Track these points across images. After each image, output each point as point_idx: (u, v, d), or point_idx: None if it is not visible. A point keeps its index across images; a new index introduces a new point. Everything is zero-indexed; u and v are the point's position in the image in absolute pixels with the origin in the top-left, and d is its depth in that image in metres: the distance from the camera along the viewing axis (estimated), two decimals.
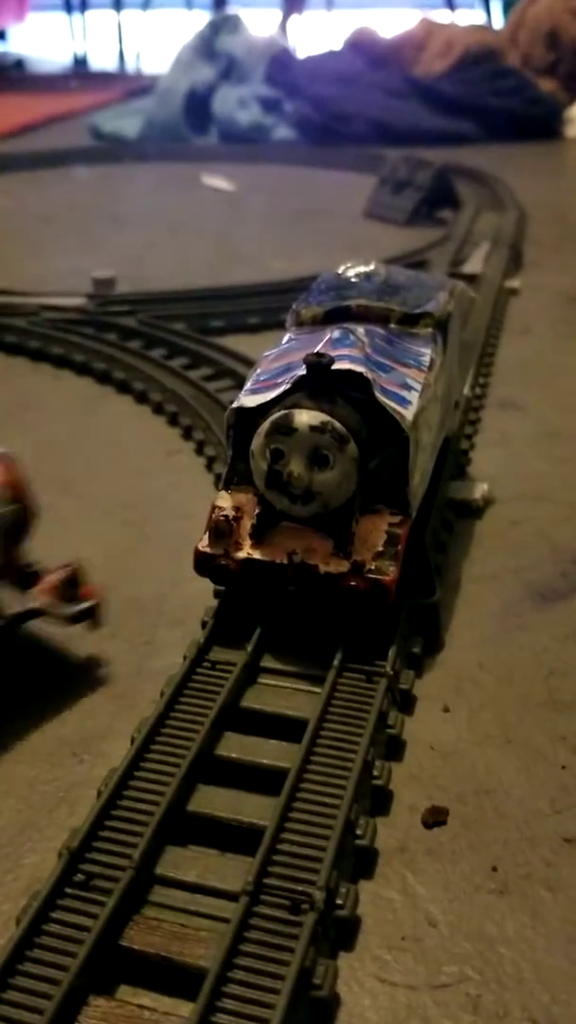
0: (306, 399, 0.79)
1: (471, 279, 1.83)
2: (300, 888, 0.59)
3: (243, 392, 0.85)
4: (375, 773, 0.69)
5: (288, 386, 0.80)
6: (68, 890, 0.60)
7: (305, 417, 0.78)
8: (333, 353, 0.82)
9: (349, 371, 0.81)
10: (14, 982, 0.54)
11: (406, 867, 0.65)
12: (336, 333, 0.87)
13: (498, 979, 0.58)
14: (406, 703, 0.79)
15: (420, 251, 2.05)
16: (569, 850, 0.66)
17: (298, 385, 0.80)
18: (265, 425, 0.79)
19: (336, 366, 0.80)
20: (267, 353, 0.91)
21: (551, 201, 2.68)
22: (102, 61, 6.55)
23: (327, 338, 0.87)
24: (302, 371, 0.80)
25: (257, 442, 0.79)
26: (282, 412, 0.78)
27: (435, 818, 0.69)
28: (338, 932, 0.60)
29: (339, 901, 0.60)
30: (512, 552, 1.02)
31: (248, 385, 0.86)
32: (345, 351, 0.84)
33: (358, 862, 0.65)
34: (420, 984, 0.58)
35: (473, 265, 1.91)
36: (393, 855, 0.66)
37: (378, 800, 0.70)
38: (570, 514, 1.09)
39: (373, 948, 0.60)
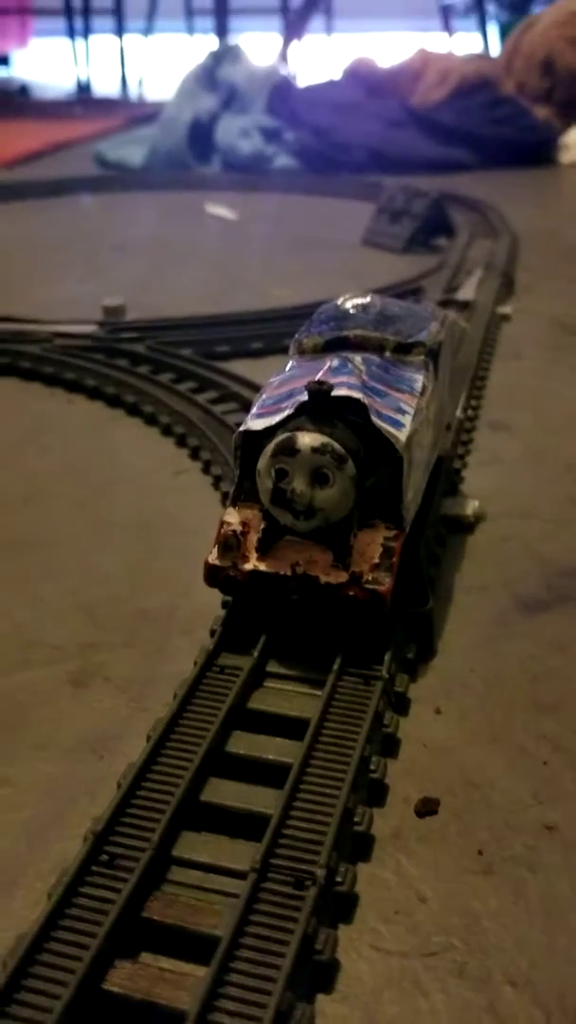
0: (308, 423, 0.86)
1: (464, 306, 1.91)
2: (303, 867, 0.65)
3: (250, 416, 0.92)
4: (372, 767, 0.76)
5: (291, 411, 0.87)
6: (94, 868, 0.66)
7: (307, 439, 0.85)
8: (333, 380, 0.89)
9: (347, 397, 0.88)
10: (48, 946, 0.60)
11: (400, 851, 0.72)
12: (335, 362, 0.95)
13: (482, 948, 0.64)
14: (401, 704, 0.86)
15: (415, 279, 2.13)
16: (549, 836, 0.73)
17: (301, 410, 0.87)
18: (270, 447, 0.86)
19: (335, 392, 0.87)
20: (272, 380, 0.98)
21: (543, 227, 2.76)
22: (105, 87, 6.68)
23: (327, 366, 0.94)
24: (304, 397, 0.87)
25: (263, 462, 0.86)
26: (286, 435, 0.85)
27: (427, 808, 0.75)
28: (338, 906, 0.66)
29: (338, 879, 0.66)
30: (501, 565, 1.09)
31: (254, 410, 0.93)
32: (344, 378, 0.91)
33: (356, 846, 0.71)
34: (411, 952, 0.64)
35: (466, 292, 1.99)
36: (388, 841, 0.73)
37: (374, 792, 0.76)
38: (555, 530, 1.16)
39: (369, 921, 0.66)
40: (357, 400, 0.88)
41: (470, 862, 0.71)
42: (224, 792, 0.74)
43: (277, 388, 0.95)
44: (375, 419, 0.87)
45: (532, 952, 0.64)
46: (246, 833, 0.71)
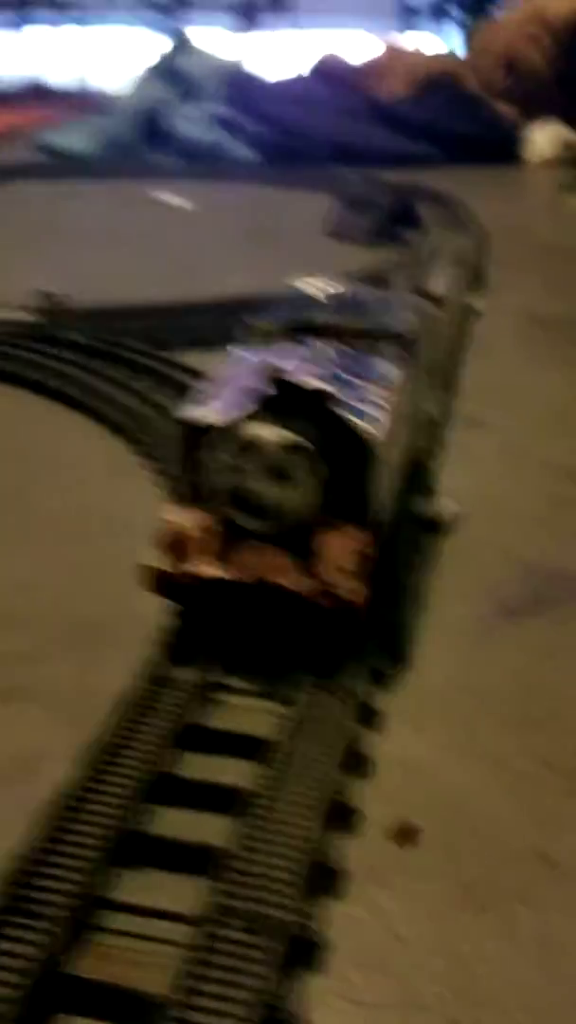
0: (268, 416, 0.78)
1: (434, 299, 1.84)
2: (263, 909, 0.58)
3: (197, 406, 0.83)
4: (342, 792, 0.69)
5: (250, 402, 0.80)
6: (5, 917, 0.58)
7: (266, 433, 0.77)
8: (297, 369, 0.81)
9: (313, 388, 0.80)
10: None
11: (376, 886, 0.64)
12: (300, 349, 0.87)
13: (474, 998, 0.57)
14: (375, 721, 0.79)
15: (382, 271, 2.06)
16: (545, 867, 0.66)
17: (261, 401, 0.79)
18: (227, 441, 0.78)
19: (300, 382, 0.79)
20: (222, 367, 0.90)
21: (510, 222, 2.71)
22: (54, 78, 6.55)
23: (290, 354, 0.86)
24: (265, 387, 0.79)
25: (217, 458, 0.78)
26: (244, 428, 0.77)
27: (406, 837, 0.68)
28: (305, 954, 0.59)
29: (306, 922, 0.58)
30: (479, 568, 1.02)
31: (203, 399, 0.84)
32: (309, 367, 0.83)
33: (326, 882, 0.64)
34: (391, 1003, 0.57)
35: (436, 285, 1.92)
36: (363, 875, 0.65)
37: (347, 820, 0.69)
38: (533, 530, 1.10)
39: (342, 969, 0.59)
40: (324, 392, 0.80)
41: (456, 898, 0.64)
42: (169, 822, 0.66)
43: (230, 377, 0.87)
44: (343, 412, 0.80)
45: (531, 1003, 0.57)
46: (196, 870, 0.63)
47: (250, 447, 0.76)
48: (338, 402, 0.80)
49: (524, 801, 0.71)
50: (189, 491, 0.82)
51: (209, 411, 0.81)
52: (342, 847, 0.65)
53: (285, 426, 0.77)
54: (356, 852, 0.67)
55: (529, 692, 0.83)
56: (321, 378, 0.81)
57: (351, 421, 0.80)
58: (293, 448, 0.76)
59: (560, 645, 0.89)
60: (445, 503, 1.11)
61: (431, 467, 1.21)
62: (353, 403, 0.82)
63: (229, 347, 0.94)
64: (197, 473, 0.81)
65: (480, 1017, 0.56)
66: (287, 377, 0.78)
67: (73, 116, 4.54)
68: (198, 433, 0.80)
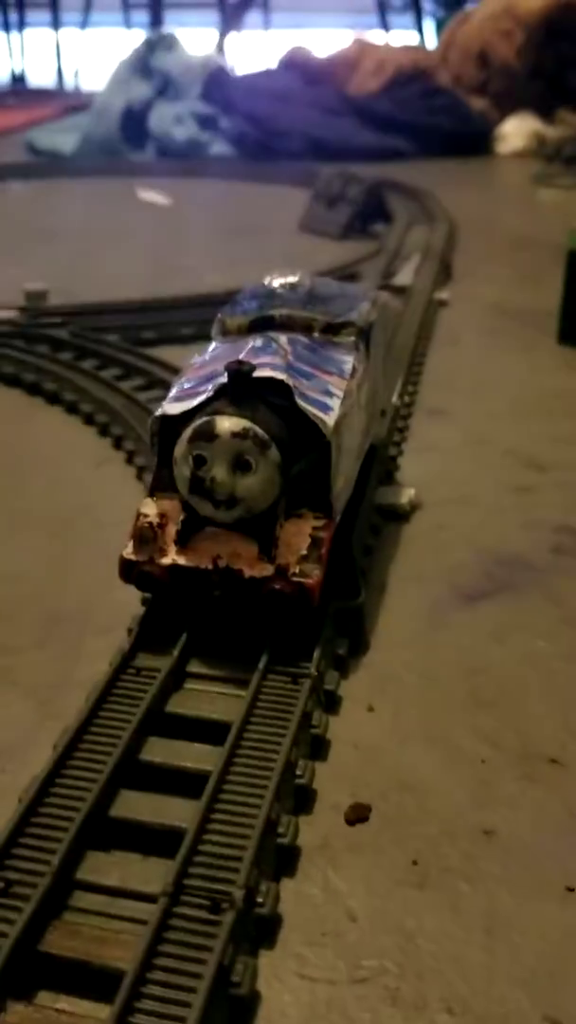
0: (228, 406, 0.79)
1: (401, 291, 1.86)
2: (220, 887, 0.59)
3: (167, 400, 0.85)
4: (298, 772, 0.70)
5: (211, 393, 0.81)
6: None
7: (227, 423, 0.78)
8: (255, 361, 0.83)
9: (271, 378, 0.82)
10: None
11: (328, 864, 0.66)
12: (259, 341, 0.89)
13: (417, 971, 0.59)
14: (331, 704, 0.80)
15: (353, 264, 2.08)
16: (488, 842, 0.68)
17: (220, 392, 0.81)
18: (187, 432, 0.79)
19: (257, 373, 0.81)
20: (192, 361, 0.92)
21: (480, 215, 2.73)
22: (40, 78, 6.52)
23: (249, 346, 0.88)
24: (224, 379, 0.81)
25: (180, 449, 0.80)
26: (204, 419, 0.79)
27: (357, 815, 0.70)
28: (259, 930, 0.60)
29: (259, 899, 0.60)
30: (438, 554, 1.04)
31: (172, 393, 0.87)
32: (267, 359, 0.85)
33: (280, 860, 0.65)
34: (340, 979, 0.58)
35: (404, 277, 1.94)
36: (315, 852, 0.67)
37: (301, 799, 0.70)
38: (493, 517, 1.12)
39: (294, 945, 0.60)
40: (281, 381, 0.82)
41: (404, 874, 0.65)
42: (136, 805, 0.67)
43: (197, 370, 0.89)
44: (300, 401, 0.81)
45: (471, 973, 0.59)
46: (161, 850, 0.65)
47: (211, 437, 0.78)
48: (296, 392, 0.81)
49: (471, 780, 0.73)
50: (160, 482, 0.83)
51: (175, 403, 0.82)
52: (296, 826, 0.66)
53: (244, 416, 0.78)
54: (309, 830, 0.68)
55: (479, 674, 0.85)
56: (280, 369, 0.83)
57: (308, 410, 0.81)
58: (249, 436, 0.78)
59: (511, 628, 0.91)
60: (406, 491, 1.12)
61: (393, 456, 1.23)
62: (311, 393, 0.84)
63: (205, 342, 0.96)
64: (166, 464, 0.82)
65: (422, 988, 0.58)
66: (246, 368, 0.80)
67: (59, 116, 4.53)
68: (166, 424, 0.82)
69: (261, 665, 0.78)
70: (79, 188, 3.29)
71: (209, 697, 0.78)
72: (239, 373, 0.80)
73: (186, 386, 0.86)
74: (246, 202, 3.05)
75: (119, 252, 2.35)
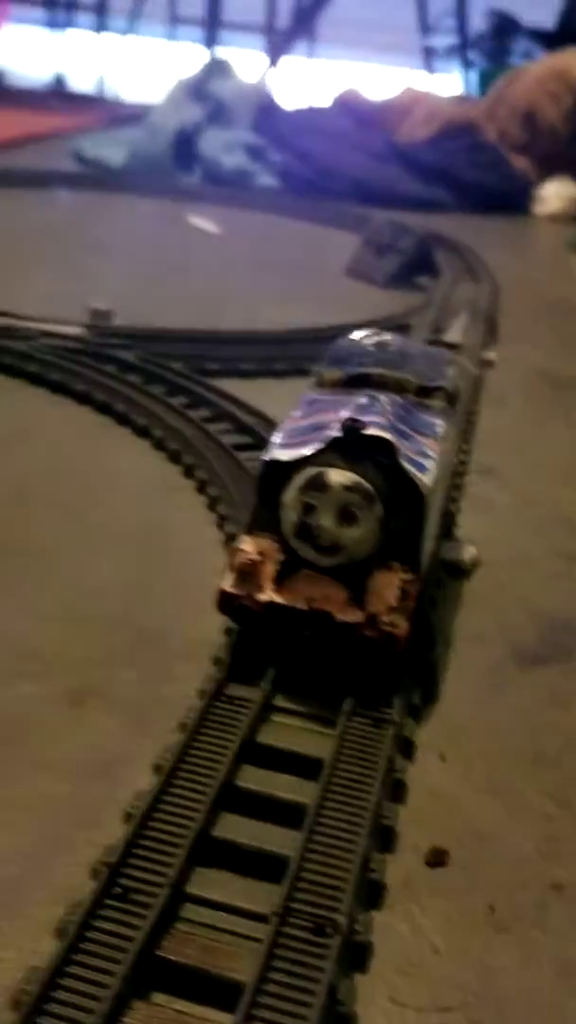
0: (339, 459, 0.86)
1: (452, 347, 1.93)
2: (324, 913, 0.64)
3: (274, 446, 0.91)
4: (384, 813, 0.75)
5: (322, 445, 0.87)
6: (107, 902, 0.64)
7: (338, 476, 0.84)
8: (364, 419, 0.89)
9: (377, 436, 0.88)
10: (63, 983, 0.58)
11: (412, 901, 0.71)
12: (363, 399, 0.94)
13: (497, 1005, 0.64)
14: (408, 750, 0.86)
15: (402, 315, 2.14)
16: (557, 895, 0.73)
17: (331, 445, 0.87)
18: (300, 479, 0.85)
19: (367, 431, 0.87)
20: (294, 412, 0.97)
21: (521, 275, 2.81)
22: (80, 83, 6.60)
23: (355, 403, 0.93)
24: (334, 432, 0.87)
25: (290, 494, 0.86)
26: (317, 470, 0.85)
27: (436, 859, 0.75)
28: (355, 956, 0.65)
29: (357, 927, 0.65)
30: (497, 614, 1.09)
31: (278, 439, 0.92)
32: (373, 417, 0.91)
33: (370, 894, 0.70)
34: (427, 1006, 0.64)
35: (454, 334, 2.01)
36: (399, 890, 0.72)
37: (386, 839, 0.76)
38: (550, 581, 1.18)
39: (384, 972, 0.66)
40: (385, 440, 0.88)
41: (481, 917, 0.71)
42: (236, 828, 0.72)
43: (301, 419, 0.95)
44: (403, 462, 0.88)
45: (545, 1012, 0.64)
46: (257, 873, 0.70)
47: (320, 486, 0.84)
48: (399, 452, 0.87)
49: (536, 833, 0.79)
50: (258, 522, 0.89)
51: (283, 450, 0.88)
52: (383, 864, 0.71)
53: (355, 471, 0.84)
54: (393, 869, 0.74)
55: (542, 733, 0.91)
56: (386, 428, 0.89)
57: (409, 471, 0.87)
58: (358, 490, 0.84)
59: (568, 693, 0.97)
60: (467, 548, 1.18)
61: (453, 512, 1.29)
62: (409, 453, 0.90)
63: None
64: (266, 505, 0.87)
65: (501, 1020, 0.63)
66: (357, 425, 0.86)
67: (102, 125, 4.60)
68: (272, 469, 0.87)
69: (347, 707, 0.84)
70: (125, 204, 3.35)
71: (295, 731, 0.83)
72: (352, 430, 0.86)
73: (293, 434, 0.92)
74: (293, 238, 3.12)
75: (176, 276, 2.41)
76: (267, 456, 0.90)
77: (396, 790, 0.80)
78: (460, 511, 1.31)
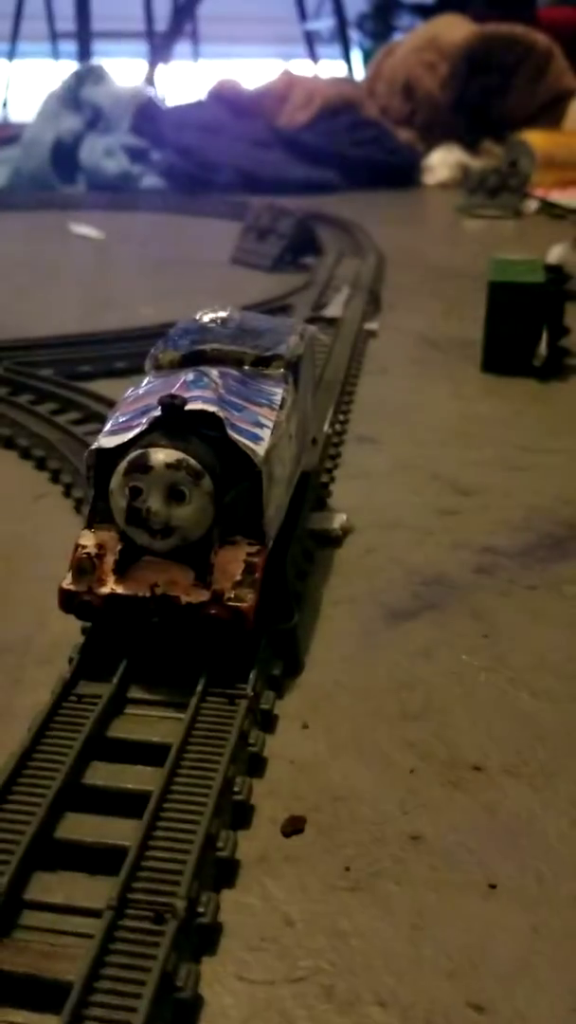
0: (162, 438, 0.83)
1: (332, 322, 1.92)
2: (162, 900, 0.62)
3: (102, 434, 0.89)
4: (236, 789, 0.74)
5: (145, 426, 0.85)
6: None
7: (161, 455, 0.82)
8: (187, 394, 0.87)
9: (203, 411, 0.86)
10: None
11: (265, 874, 0.69)
12: (191, 375, 0.93)
13: (350, 968, 0.62)
14: (267, 723, 0.84)
15: (284, 296, 2.13)
16: (415, 846, 0.72)
17: (154, 425, 0.84)
18: (123, 464, 0.83)
19: (190, 406, 0.85)
20: (126, 396, 0.95)
21: (408, 246, 2.82)
22: None
23: (182, 380, 0.92)
24: (157, 412, 0.85)
25: (116, 480, 0.83)
26: (139, 451, 0.83)
27: (293, 827, 0.73)
28: (201, 938, 0.63)
29: (200, 909, 0.63)
30: (368, 576, 1.08)
31: (107, 427, 0.90)
32: (199, 392, 0.89)
33: (220, 873, 0.69)
34: (278, 979, 0.62)
35: (334, 309, 2.00)
36: (254, 864, 0.70)
37: (240, 814, 0.74)
38: (420, 539, 1.17)
39: (234, 951, 0.64)
40: (213, 414, 0.86)
41: (337, 880, 0.69)
42: (80, 827, 0.70)
43: (131, 404, 0.93)
44: (231, 433, 0.86)
45: (399, 968, 0.62)
46: (101, 869, 0.67)
47: (143, 468, 0.81)
48: (227, 424, 0.85)
49: (398, 789, 0.77)
50: (97, 514, 0.86)
51: (110, 436, 0.85)
52: (235, 840, 0.70)
53: (178, 448, 0.82)
54: (248, 844, 0.72)
55: (407, 689, 0.90)
56: (211, 402, 0.87)
57: (239, 441, 0.85)
58: (183, 467, 0.82)
59: (437, 644, 0.96)
60: (337, 516, 1.17)
61: (325, 483, 1.28)
62: (242, 424, 0.88)
63: (140, 376, 1.00)
64: (102, 497, 0.85)
65: (355, 984, 0.61)
66: (179, 401, 0.84)
67: None
68: (101, 458, 0.85)
69: (199, 688, 0.82)
70: (10, 222, 3.31)
71: (150, 721, 0.81)
72: (172, 406, 0.84)
73: (121, 420, 0.90)
74: (178, 235, 3.10)
75: (52, 286, 2.38)
76: (94, 445, 0.88)
77: (253, 764, 0.79)
78: (334, 480, 1.30)
